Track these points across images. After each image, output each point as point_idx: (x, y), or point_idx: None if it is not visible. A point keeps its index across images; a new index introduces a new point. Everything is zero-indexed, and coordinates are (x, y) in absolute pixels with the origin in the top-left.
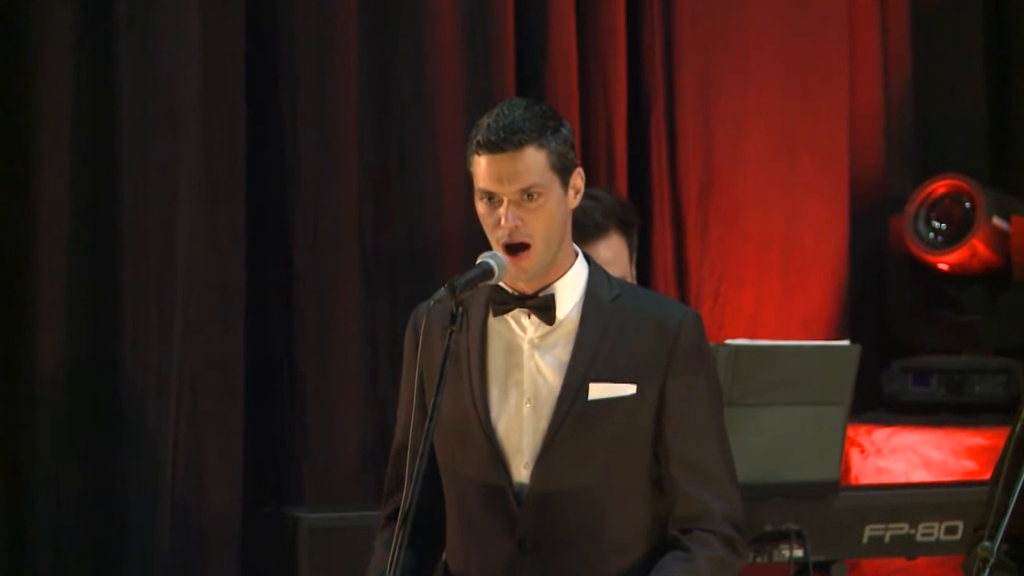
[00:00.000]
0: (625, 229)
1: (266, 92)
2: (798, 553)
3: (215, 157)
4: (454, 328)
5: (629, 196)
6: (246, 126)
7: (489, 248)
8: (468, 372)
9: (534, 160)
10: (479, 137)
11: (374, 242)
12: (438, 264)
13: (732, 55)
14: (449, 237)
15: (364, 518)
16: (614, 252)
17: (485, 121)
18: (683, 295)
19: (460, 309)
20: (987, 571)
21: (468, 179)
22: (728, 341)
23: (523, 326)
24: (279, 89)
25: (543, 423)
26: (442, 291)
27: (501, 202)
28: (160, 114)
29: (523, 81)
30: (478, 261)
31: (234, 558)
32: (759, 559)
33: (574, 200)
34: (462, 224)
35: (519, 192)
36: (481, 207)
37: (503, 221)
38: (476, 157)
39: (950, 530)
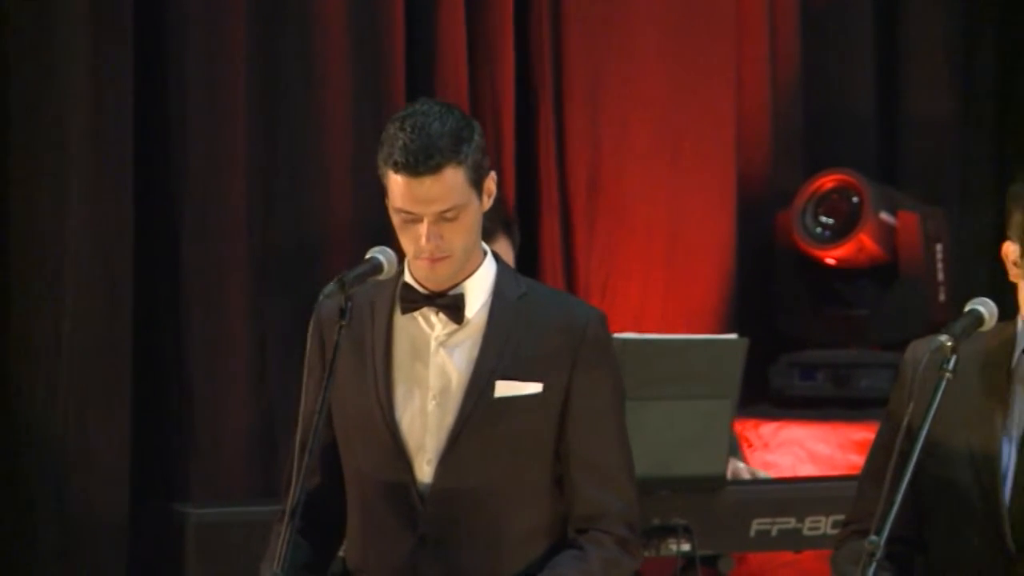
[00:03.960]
0: (508, 230)
1: (155, 86)
2: (685, 547)
3: (103, 152)
4: (343, 323)
5: (517, 192)
6: (134, 120)
7: (377, 243)
8: (373, 368)
9: (453, 180)
10: (396, 157)
11: (262, 237)
12: (326, 259)
13: (619, 52)
14: (336, 232)
15: (251, 513)
16: (501, 253)
17: (399, 136)
18: (571, 289)
19: (349, 304)
20: (873, 565)
21: (355, 174)
22: (616, 335)
23: (431, 323)
24: (168, 82)
25: (448, 420)
26: (332, 286)
27: (420, 220)
28: (48, 109)
29: (412, 79)
30: (367, 256)
31: (121, 554)
32: (647, 553)
33: (487, 203)
34: (349, 220)
35: (438, 213)
36: (397, 220)
37: (423, 240)
38: (392, 175)
39: (837, 524)
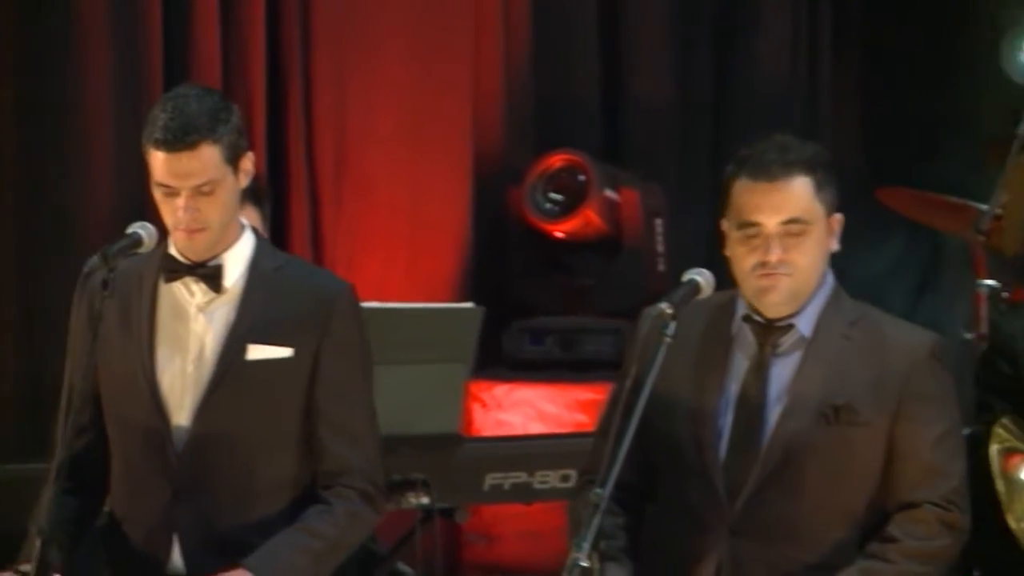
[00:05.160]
0: (257, 201)
1: None
2: (424, 500)
3: None
4: (106, 293)
5: (269, 172)
6: None
7: (138, 219)
8: (138, 333)
9: (209, 157)
10: (156, 134)
11: (29, 218)
12: (90, 237)
13: (364, 38)
14: (99, 212)
15: (22, 470)
16: (249, 222)
17: (160, 116)
18: (318, 262)
19: (111, 275)
20: (598, 516)
21: (117, 157)
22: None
23: (192, 292)
24: None
25: (204, 381)
26: (95, 259)
27: (178, 194)
28: None
29: (169, 64)
30: (128, 231)
31: None
32: (389, 506)
33: (244, 181)
34: (112, 200)
35: (195, 187)
36: (158, 194)
37: (180, 213)
38: (153, 151)
39: (564, 478)
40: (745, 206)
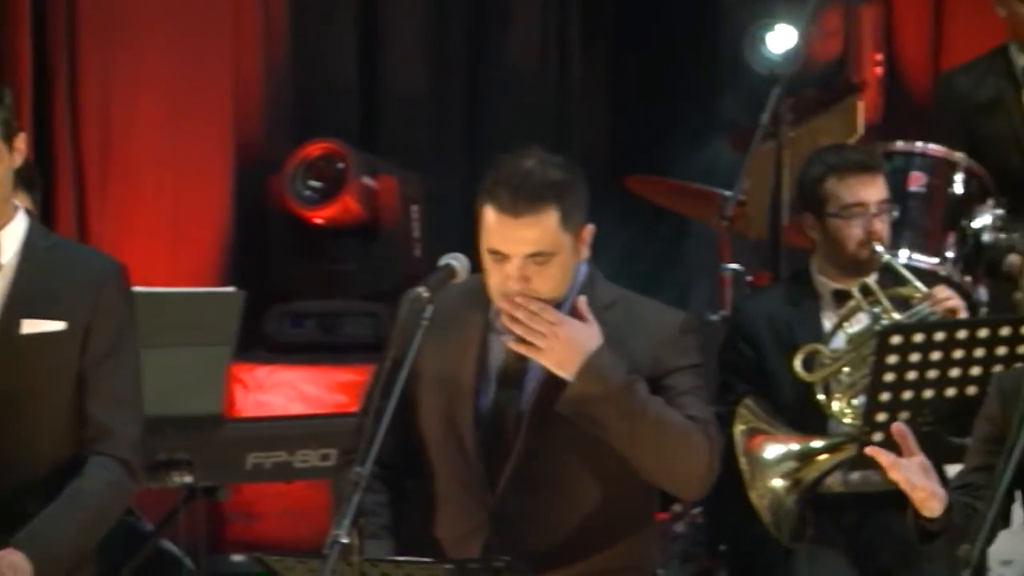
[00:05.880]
0: (28, 188)
1: None
2: (187, 479)
3: None
4: None
5: (36, 160)
6: None
7: None
8: None
9: None
10: None
11: None
12: None
13: (126, 27)
14: None
15: None
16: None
17: None
18: None
19: None
20: (357, 493)
21: None
22: None
23: None
24: None
25: None
26: None
27: None
28: None
29: None
30: None
31: None
32: (153, 485)
33: (17, 160)
34: None
35: None
36: None
37: None
38: None
39: (324, 457)
40: (491, 234)
